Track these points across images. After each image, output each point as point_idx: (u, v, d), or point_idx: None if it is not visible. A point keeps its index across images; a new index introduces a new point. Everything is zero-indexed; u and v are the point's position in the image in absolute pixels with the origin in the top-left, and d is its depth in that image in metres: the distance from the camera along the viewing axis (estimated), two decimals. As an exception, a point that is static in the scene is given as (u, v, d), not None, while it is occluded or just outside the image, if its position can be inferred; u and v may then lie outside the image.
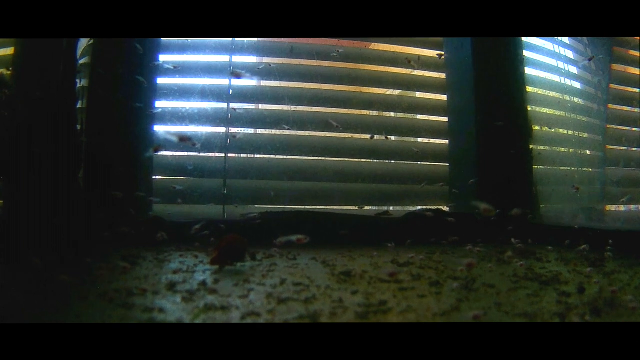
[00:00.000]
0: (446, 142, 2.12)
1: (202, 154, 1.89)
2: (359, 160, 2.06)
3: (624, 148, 2.45)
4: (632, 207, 2.55)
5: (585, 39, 2.38)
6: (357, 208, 1.94)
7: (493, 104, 1.94)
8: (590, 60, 2.35)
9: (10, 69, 1.44)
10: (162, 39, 1.85)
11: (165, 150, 1.82)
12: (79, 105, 1.53)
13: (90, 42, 1.65)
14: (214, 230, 1.33)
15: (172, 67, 1.83)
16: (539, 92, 2.21)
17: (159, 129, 1.83)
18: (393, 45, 2.18)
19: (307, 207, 1.90)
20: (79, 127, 1.50)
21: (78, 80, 1.51)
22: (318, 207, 1.93)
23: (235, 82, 1.95)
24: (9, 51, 1.55)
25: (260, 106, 2.11)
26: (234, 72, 1.85)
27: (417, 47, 2.19)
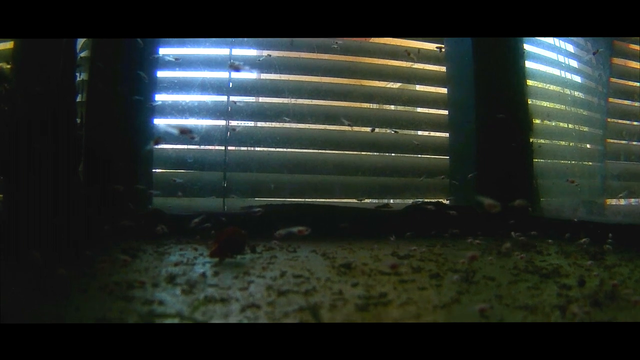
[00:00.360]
0: (446, 134, 2.12)
1: (202, 147, 1.89)
2: (359, 152, 2.06)
3: (624, 142, 2.45)
4: (632, 200, 2.55)
5: (585, 33, 2.37)
6: (357, 201, 1.94)
7: (493, 97, 1.94)
8: (594, 54, 2.34)
9: (10, 62, 1.43)
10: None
11: (165, 143, 1.82)
12: (78, 99, 1.53)
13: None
14: (214, 223, 1.33)
15: (173, 59, 1.83)
16: (539, 86, 2.20)
17: (159, 121, 1.82)
18: (393, 38, 2.17)
19: (307, 199, 1.90)
20: (78, 120, 1.50)
21: (78, 74, 1.51)
22: (318, 199, 1.93)
23: (235, 74, 1.94)
24: (9, 45, 1.54)
25: (260, 99, 2.11)
26: (234, 64, 1.85)
27: (417, 40, 2.18)
